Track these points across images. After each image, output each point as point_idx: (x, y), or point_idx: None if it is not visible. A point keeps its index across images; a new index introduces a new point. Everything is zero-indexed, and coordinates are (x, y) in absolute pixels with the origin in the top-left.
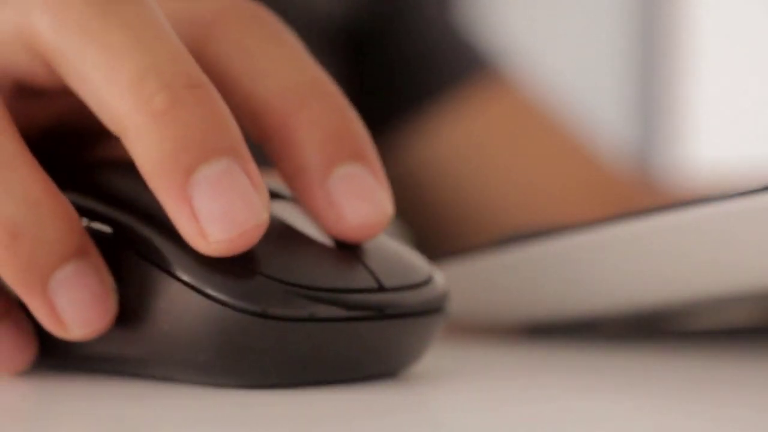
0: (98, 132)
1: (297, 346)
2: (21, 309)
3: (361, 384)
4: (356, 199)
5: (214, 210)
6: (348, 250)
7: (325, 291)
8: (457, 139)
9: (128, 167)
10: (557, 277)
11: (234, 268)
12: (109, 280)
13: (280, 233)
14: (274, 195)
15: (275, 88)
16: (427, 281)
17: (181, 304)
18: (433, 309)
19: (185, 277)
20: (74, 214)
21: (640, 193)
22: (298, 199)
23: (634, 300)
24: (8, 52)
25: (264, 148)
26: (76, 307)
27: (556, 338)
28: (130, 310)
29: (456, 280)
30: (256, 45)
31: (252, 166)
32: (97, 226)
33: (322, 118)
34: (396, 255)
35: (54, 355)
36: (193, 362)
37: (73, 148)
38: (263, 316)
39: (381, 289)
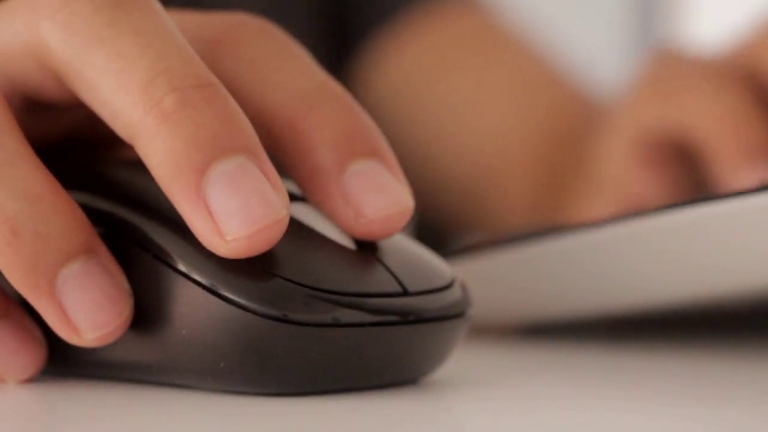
0: (107, 145)
1: (319, 353)
2: (27, 313)
3: (381, 391)
4: (374, 193)
5: (230, 206)
6: (368, 253)
7: (348, 295)
8: (407, 67)
9: (138, 166)
10: (557, 277)
11: (253, 270)
12: (122, 281)
13: (299, 236)
14: (292, 197)
15: (284, 96)
16: (449, 285)
17: (201, 308)
18: (457, 313)
19: (203, 280)
20: (79, 211)
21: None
22: (314, 200)
23: (634, 300)
24: (18, 67)
25: (277, 156)
26: (86, 308)
27: (573, 340)
28: (146, 315)
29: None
30: (265, 60)
31: (269, 165)
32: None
33: (332, 119)
34: (417, 258)
35: (65, 362)
36: (213, 369)
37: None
38: (284, 321)
39: (405, 293)
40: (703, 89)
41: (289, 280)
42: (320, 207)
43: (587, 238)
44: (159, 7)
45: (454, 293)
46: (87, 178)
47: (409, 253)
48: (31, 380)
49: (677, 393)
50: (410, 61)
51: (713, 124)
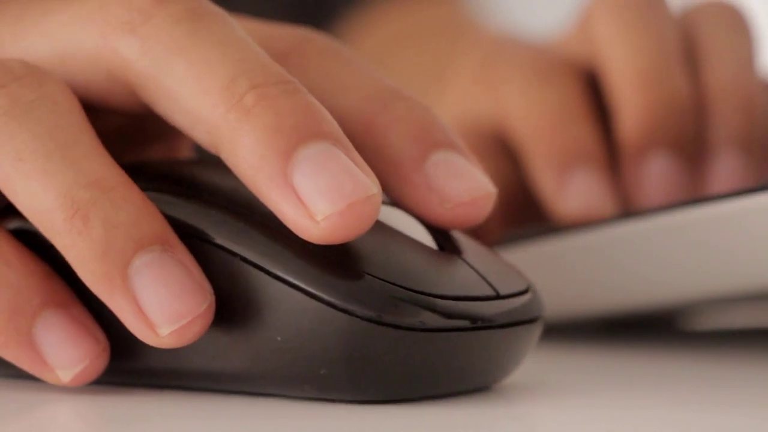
0: (142, 146)
1: (414, 357)
2: (87, 312)
3: (456, 397)
4: (457, 179)
5: (318, 184)
6: (456, 255)
7: (444, 299)
8: (369, 51)
9: (215, 167)
10: (559, 276)
11: (349, 272)
12: (201, 277)
13: (388, 238)
14: None
15: (357, 98)
16: (529, 287)
17: (298, 312)
18: (539, 316)
19: (298, 282)
20: (151, 204)
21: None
22: (397, 193)
23: (634, 300)
24: (84, 74)
25: None
26: (161, 299)
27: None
28: (234, 321)
29: None
30: (334, 69)
31: (354, 151)
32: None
33: (407, 115)
34: (496, 260)
35: (142, 372)
36: (312, 376)
37: None
38: (397, 327)
39: (497, 296)
40: (523, 81)
41: (385, 281)
42: (404, 199)
43: (586, 238)
44: (232, 19)
45: (535, 296)
46: (162, 181)
47: (488, 256)
48: (86, 380)
49: (746, 395)
50: (371, 46)
51: (527, 121)
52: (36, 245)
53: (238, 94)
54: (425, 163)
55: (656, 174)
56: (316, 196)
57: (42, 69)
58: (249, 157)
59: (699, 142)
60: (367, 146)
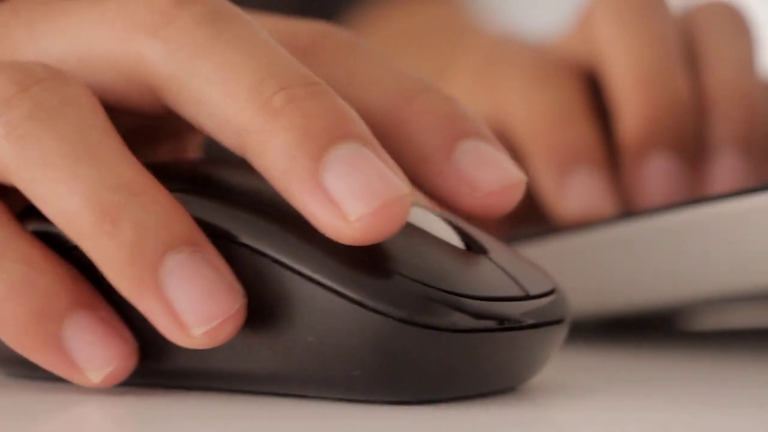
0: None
1: (452, 357)
2: (115, 313)
3: (482, 399)
4: (486, 167)
5: (350, 184)
6: (482, 255)
7: (479, 300)
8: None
9: (240, 168)
10: (559, 277)
11: (376, 271)
12: (231, 278)
13: (417, 239)
14: None
15: (382, 91)
16: (555, 287)
17: (331, 313)
18: (566, 317)
19: (330, 282)
20: (179, 205)
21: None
22: (426, 184)
23: (634, 300)
24: (104, 77)
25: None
26: (193, 299)
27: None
28: (265, 322)
29: None
30: (355, 64)
31: (383, 152)
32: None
33: (433, 105)
34: (522, 260)
35: (171, 373)
36: (345, 377)
37: None
38: (429, 327)
39: (527, 297)
40: (523, 82)
41: (417, 281)
42: (433, 190)
43: (586, 238)
44: (254, 20)
45: (562, 296)
46: (187, 182)
47: (514, 256)
48: (115, 381)
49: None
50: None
51: (527, 121)
52: (56, 248)
53: (266, 96)
54: (454, 152)
55: (656, 174)
56: (349, 197)
57: (63, 71)
58: (279, 159)
59: (699, 143)
60: (393, 140)
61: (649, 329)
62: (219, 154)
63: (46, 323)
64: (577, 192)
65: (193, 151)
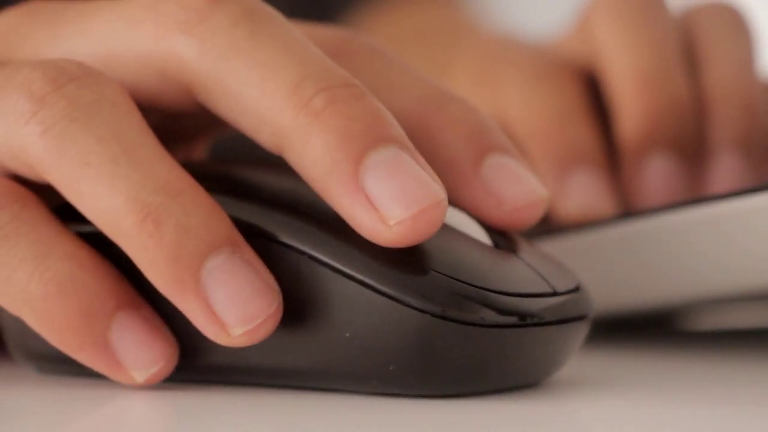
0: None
1: (484, 352)
2: (156, 313)
3: (506, 393)
4: (513, 182)
5: (391, 189)
6: (511, 253)
7: (509, 296)
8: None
9: (273, 168)
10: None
11: (411, 267)
12: (269, 277)
13: (450, 235)
14: None
15: (411, 99)
16: (579, 284)
17: (368, 309)
18: (589, 313)
19: (367, 279)
20: (218, 206)
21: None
22: (453, 193)
23: (634, 300)
24: (135, 75)
25: None
26: (233, 301)
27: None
28: (302, 318)
29: None
30: (384, 70)
31: (420, 157)
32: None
33: (461, 116)
34: (547, 257)
35: (209, 369)
36: (381, 372)
37: None
38: (462, 322)
39: (555, 293)
40: (523, 82)
41: (451, 277)
42: (460, 199)
43: (586, 238)
44: (287, 20)
45: (584, 293)
46: (223, 182)
47: (540, 254)
48: (158, 380)
49: None
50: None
51: (527, 121)
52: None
53: (306, 97)
54: (481, 165)
55: (656, 174)
56: (389, 201)
57: (97, 69)
58: (320, 160)
59: (699, 143)
60: (421, 146)
61: (649, 329)
62: (223, 157)
63: (94, 323)
64: (577, 192)
65: (201, 153)
